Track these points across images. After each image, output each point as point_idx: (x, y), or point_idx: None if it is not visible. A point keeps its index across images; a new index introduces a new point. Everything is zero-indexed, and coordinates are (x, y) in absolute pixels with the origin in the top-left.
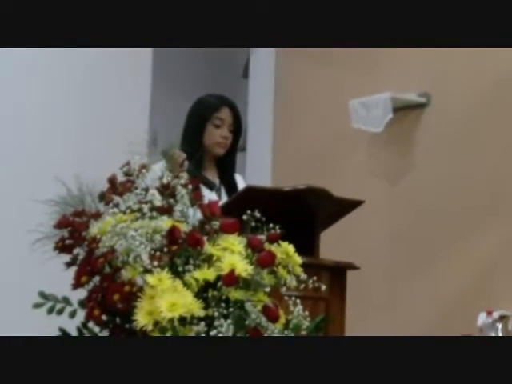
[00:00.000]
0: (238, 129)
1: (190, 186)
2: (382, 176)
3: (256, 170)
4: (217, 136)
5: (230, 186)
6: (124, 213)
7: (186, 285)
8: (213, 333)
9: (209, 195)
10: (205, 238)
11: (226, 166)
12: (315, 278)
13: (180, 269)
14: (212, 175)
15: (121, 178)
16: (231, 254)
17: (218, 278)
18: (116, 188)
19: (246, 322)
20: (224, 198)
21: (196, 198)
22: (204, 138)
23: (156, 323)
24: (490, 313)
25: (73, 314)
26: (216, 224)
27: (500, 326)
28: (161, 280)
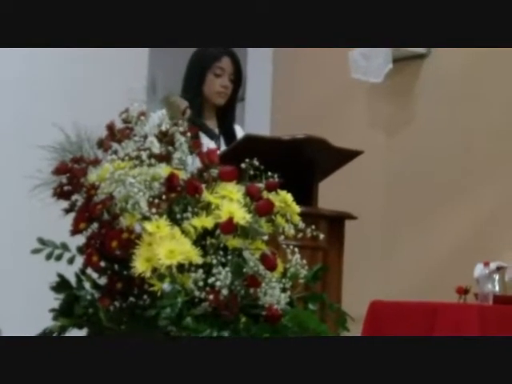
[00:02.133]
0: (238, 78)
1: (188, 134)
2: (380, 127)
3: (255, 120)
4: (217, 85)
5: (230, 135)
6: (122, 160)
7: (184, 232)
8: (211, 280)
9: (208, 144)
10: (203, 186)
11: (226, 115)
12: (313, 226)
13: (178, 216)
14: (212, 124)
15: (119, 124)
16: (229, 201)
17: (217, 225)
18: (114, 135)
19: (244, 270)
20: (223, 148)
21: (195, 146)
22: (204, 86)
23: (154, 270)
24: (486, 264)
25: (71, 260)
26: (214, 172)
27: (497, 277)
28: (159, 227)
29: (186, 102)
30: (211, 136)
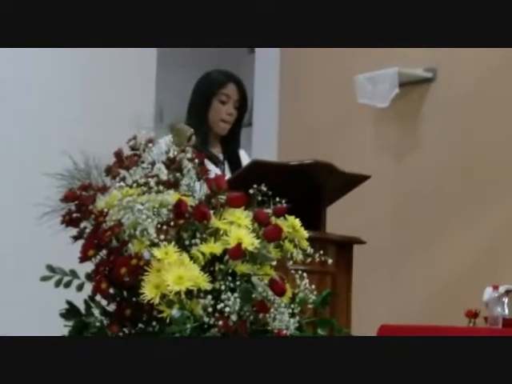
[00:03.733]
0: (243, 105)
1: (196, 160)
2: (387, 151)
3: (262, 146)
4: (222, 112)
5: (234, 161)
6: (130, 187)
7: (193, 258)
8: (220, 306)
9: (214, 170)
10: (211, 212)
11: (230, 141)
12: (322, 251)
13: (187, 242)
14: (216, 151)
15: (127, 152)
16: (238, 227)
17: (225, 251)
18: (122, 162)
19: (253, 296)
20: (227, 174)
21: (202, 172)
22: (209, 113)
23: (163, 296)
24: (496, 287)
25: (80, 287)
26: (222, 198)
27: (506, 300)
28: (167, 253)
29: (191, 129)
30: (216, 162)
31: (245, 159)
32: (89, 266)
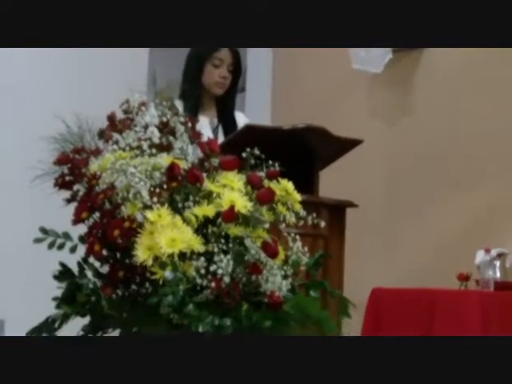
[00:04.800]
0: (237, 69)
1: (189, 124)
2: (380, 116)
3: (255, 111)
4: (215, 76)
5: (229, 125)
6: (123, 150)
7: (186, 221)
8: (212, 268)
9: (206, 133)
10: (204, 175)
11: (225, 105)
12: (314, 215)
13: (180, 205)
14: (211, 115)
15: (120, 115)
16: (231, 190)
17: (218, 214)
18: (115, 125)
19: (246, 258)
20: (221, 138)
21: (195, 136)
22: (203, 77)
23: (156, 258)
24: (487, 250)
25: (73, 249)
26: (215, 161)
27: (498, 263)
28: (160, 216)
29: (174, 95)
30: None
31: (242, 121)
32: (82, 229)
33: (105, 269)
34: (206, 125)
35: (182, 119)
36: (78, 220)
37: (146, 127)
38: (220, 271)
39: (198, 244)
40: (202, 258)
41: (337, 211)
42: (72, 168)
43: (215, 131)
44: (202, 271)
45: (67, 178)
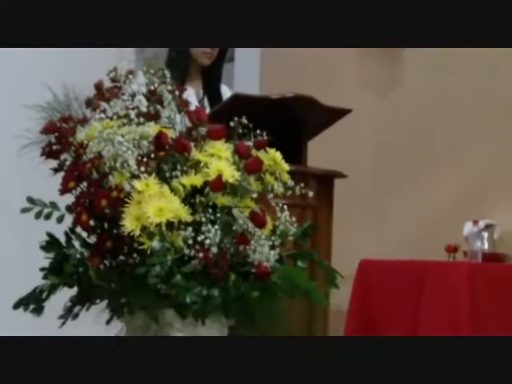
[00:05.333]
0: None
1: (176, 93)
2: (370, 86)
3: (244, 80)
4: None
5: (215, 96)
6: (111, 119)
7: (173, 190)
8: (200, 238)
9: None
10: (192, 144)
11: (211, 76)
12: (302, 185)
13: (167, 174)
14: (197, 86)
15: (108, 83)
16: (218, 160)
17: (206, 183)
18: (103, 94)
19: (234, 228)
20: (207, 109)
21: (183, 105)
22: None
23: (143, 228)
24: (475, 222)
25: (60, 219)
26: (203, 130)
27: (486, 234)
28: (148, 185)
29: (161, 65)
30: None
31: (226, 94)
32: (69, 199)
33: (92, 239)
34: (192, 95)
35: (169, 87)
36: (65, 189)
37: (133, 96)
38: (208, 241)
39: (185, 214)
40: (190, 228)
41: (325, 181)
42: (59, 137)
43: (201, 102)
44: (190, 241)
45: (54, 147)
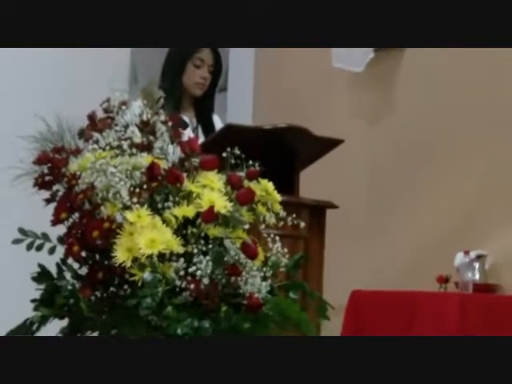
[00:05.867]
0: (217, 70)
1: (169, 123)
2: (362, 116)
3: (237, 110)
4: (196, 76)
5: (208, 126)
6: (103, 149)
7: (165, 221)
8: (192, 269)
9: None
10: (184, 175)
11: (204, 105)
12: (294, 215)
13: (159, 205)
14: (190, 115)
15: (101, 114)
16: (210, 190)
17: (198, 214)
18: (96, 125)
19: (225, 259)
20: (201, 138)
21: (175, 135)
22: (183, 77)
23: (135, 260)
24: (467, 252)
25: (52, 250)
26: (195, 161)
27: (477, 265)
28: (140, 216)
29: (160, 92)
30: (184, 126)
31: (218, 124)
32: (61, 230)
33: (84, 270)
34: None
35: (163, 118)
36: (57, 220)
37: (126, 126)
38: (199, 272)
39: (177, 245)
40: (182, 259)
41: (317, 212)
42: (52, 167)
43: (194, 131)
44: (181, 273)
45: (47, 178)
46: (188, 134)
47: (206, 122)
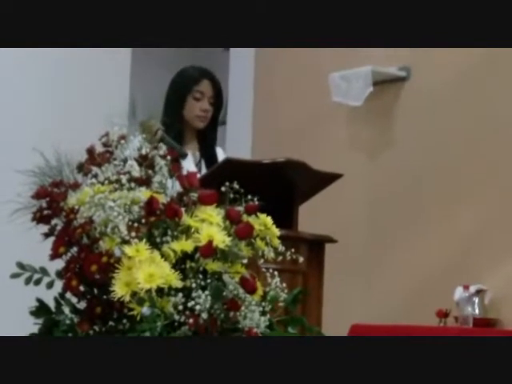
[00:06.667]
0: (218, 102)
1: (168, 158)
2: (361, 150)
3: (236, 144)
4: (196, 109)
5: (211, 159)
6: (102, 184)
7: (164, 256)
8: (190, 304)
9: (188, 167)
10: (183, 210)
11: (207, 139)
12: (293, 250)
13: (158, 240)
14: (193, 148)
15: (99, 148)
16: (209, 225)
17: (196, 249)
18: (94, 159)
19: (224, 294)
20: (204, 171)
21: (174, 170)
22: (184, 111)
23: (134, 294)
24: (466, 287)
25: (50, 285)
26: (194, 195)
27: (476, 300)
28: (138, 251)
29: (158, 125)
30: (182, 156)
31: (221, 156)
32: (60, 264)
33: (82, 304)
34: (188, 158)
35: (161, 152)
36: (55, 255)
37: (125, 161)
38: (198, 307)
39: (175, 279)
40: (180, 294)
41: (316, 246)
42: (50, 202)
43: (198, 165)
44: (180, 307)
45: (45, 212)
46: (189, 165)
47: (208, 155)
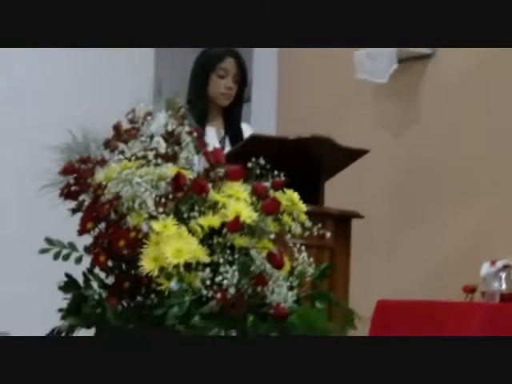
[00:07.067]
0: (243, 79)
1: (194, 134)
2: (386, 127)
3: (261, 121)
4: (221, 86)
5: (235, 136)
6: (129, 160)
7: (191, 231)
8: (218, 279)
9: (212, 143)
10: (210, 185)
11: (232, 116)
12: (320, 225)
13: (185, 215)
14: (217, 125)
15: (126, 125)
16: (236, 201)
17: (223, 224)
18: (121, 135)
19: (251, 269)
20: (228, 148)
21: (201, 146)
22: (209, 88)
23: (161, 269)
24: (493, 262)
25: (79, 260)
26: (221, 171)
27: (503, 275)
28: (166, 226)
29: (182, 103)
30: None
31: (248, 132)
32: (87, 239)
33: (110, 280)
34: (212, 135)
35: (187, 129)
36: (83, 230)
37: (151, 137)
38: (225, 282)
39: (203, 255)
40: (208, 269)
41: (342, 222)
42: (78, 178)
43: (222, 142)
44: (208, 282)
45: (73, 188)
46: (213, 142)
47: (233, 132)
